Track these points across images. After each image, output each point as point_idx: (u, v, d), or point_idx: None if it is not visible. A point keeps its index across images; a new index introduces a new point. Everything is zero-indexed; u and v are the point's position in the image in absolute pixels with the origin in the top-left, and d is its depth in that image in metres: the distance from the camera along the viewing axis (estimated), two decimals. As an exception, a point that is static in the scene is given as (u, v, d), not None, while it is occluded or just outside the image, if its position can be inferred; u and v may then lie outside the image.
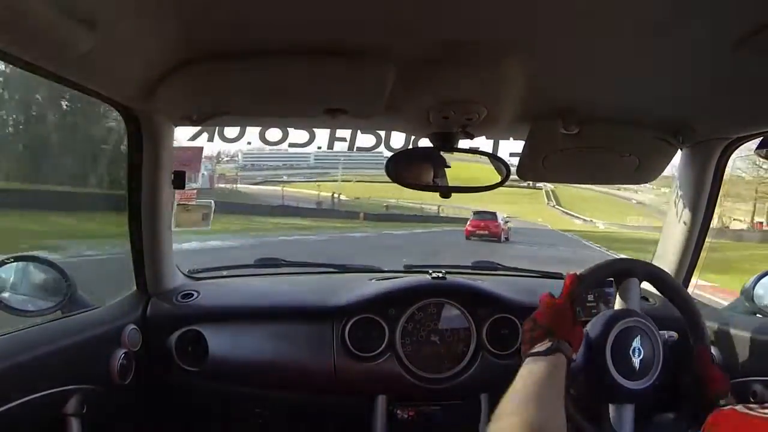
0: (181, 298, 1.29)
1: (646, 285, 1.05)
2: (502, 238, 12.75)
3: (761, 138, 1.14)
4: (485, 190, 1.12)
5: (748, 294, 1.32)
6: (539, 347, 0.78)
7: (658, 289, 1.06)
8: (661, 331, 0.97)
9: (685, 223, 1.32)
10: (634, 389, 0.89)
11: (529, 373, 0.74)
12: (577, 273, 0.92)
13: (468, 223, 13.03)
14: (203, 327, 1.24)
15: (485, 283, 1.37)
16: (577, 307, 0.91)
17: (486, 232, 12.61)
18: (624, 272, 0.98)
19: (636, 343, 0.90)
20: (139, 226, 1.21)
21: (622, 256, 1.20)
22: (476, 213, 13.38)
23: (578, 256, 11.47)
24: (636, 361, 0.89)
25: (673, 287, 1.01)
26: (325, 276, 1.57)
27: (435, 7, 0.66)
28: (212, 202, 1.49)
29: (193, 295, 1.30)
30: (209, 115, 1.09)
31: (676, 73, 0.85)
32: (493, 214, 13.42)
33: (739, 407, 0.60)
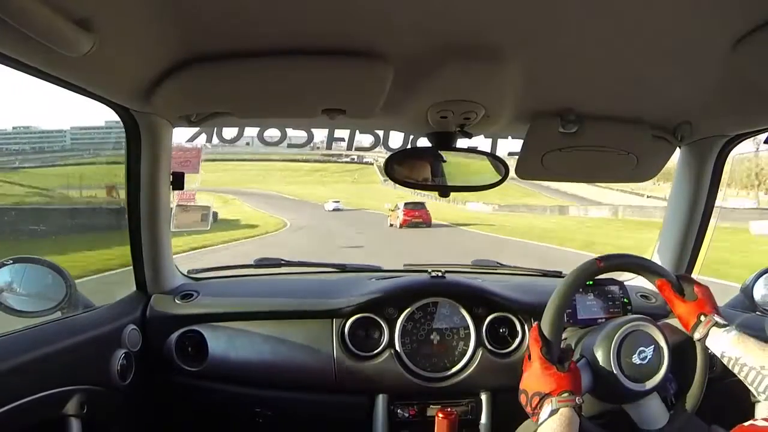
0: (180, 299, 1.29)
1: (642, 283, 1.05)
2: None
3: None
4: (484, 189, 1.13)
5: (747, 292, 1.32)
6: (543, 415, 0.79)
7: (616, 270, 1.06)
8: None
9: (684, 220, 1.32)
10: (637, 390, 0.89)
11: None
12: (537, 323, 0.91)
13: (401, 213, 13.78)
14: (203, 327, 1.25)
15: (484, 281, 1.37)
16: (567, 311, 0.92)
17: (420, 220, 13.47)
18: (582, 280, 0.96)
19: (643, 346, 0.91)
20: (138, 226, 1.21)
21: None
22: (407, 204, 14.14)
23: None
24: (641, 363, 0.90)
25: (622, 260, 1.00)
26: (324, 276, 1.57)
27: (433, 8, 0.66)
28: (211, 202, 1.49)
29: (192, 295, 1.31)
30: (208, 116, 1.09)
31: (674, 72, 0.85)
32: (423, 204, 14.26)
33: (759, 422, 0.60)
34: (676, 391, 0.95)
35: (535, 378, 0.84)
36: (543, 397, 0.80)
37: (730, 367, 0.85)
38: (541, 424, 0.78)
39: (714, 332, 0.88)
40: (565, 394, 0.79)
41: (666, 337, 0.94)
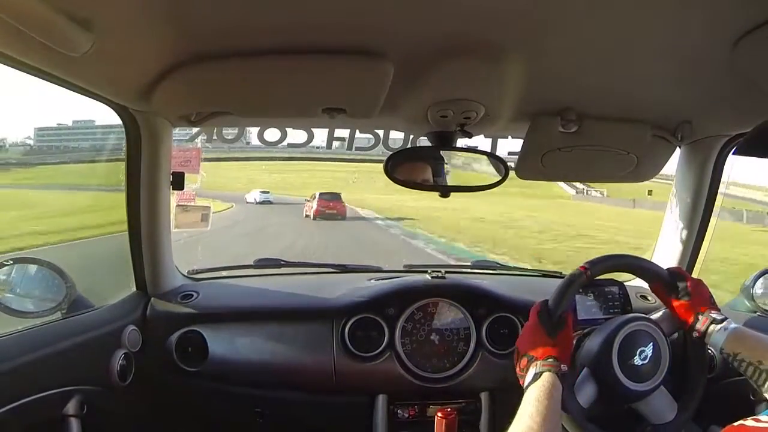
0: (180, 299, 1.29)
1: (642, 283, 1.05)
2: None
3: (735, 145, 1.16)
4: (484, 189, 1.12)
5: (747, 292, 1.32)
6: (527, 378, 0.80)
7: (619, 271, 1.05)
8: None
9: (684, 219, 1.32)
10: (637, 390, 0.89)
11: (525, 402, 0.75)
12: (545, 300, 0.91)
13: (316, 203, 13.60)
14: (203, 327, 1.25)
15: (484, 282, 1.37)
16: (567, 311, 0.92)
17: (334, 211, 13.34)
18: (573, 290, 0.95)
19: (642, 346, 0.90)
20: (138, 226, 1.21)
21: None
22: (323, 194, 13.97)
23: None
24: (642, 363, 0.89)
25: (609, 262, 0.99)
26: (324, 276, 1.57)
27: (433, 7, 0.66)
28: (211, 202, 1.49)
29: (192, 295, 1.30)
30: (208, 116, 1.09)
31: (674, 72, 0.85)
32: (339, 195, 14.17)
33: (749, 421, 0.60)
34: (678, 384, 0.95)
35: (527, 338, 0.86)
36: (530, 360, 0.82)
37: (730, 363, 0.85)
38: (526, 388, 0.79)
39: (711, 330, 0.88)
40: (550, 360, 0.80)
41: (663, 331, 0.93)
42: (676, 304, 0.94)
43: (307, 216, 13.53)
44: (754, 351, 0.81)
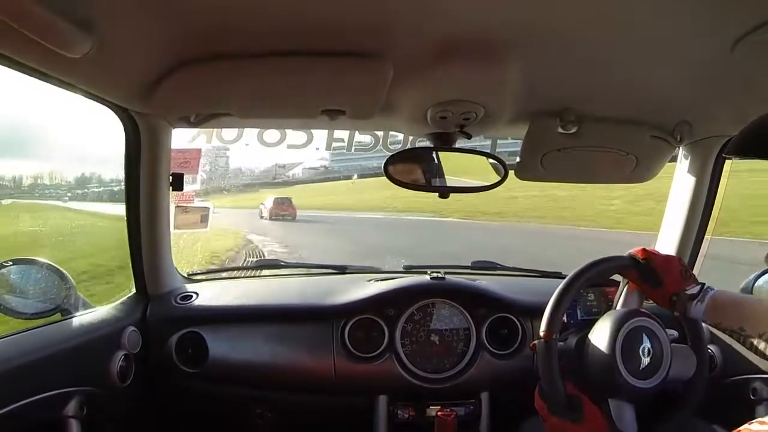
0: (180, 300, 1.29)
1: None
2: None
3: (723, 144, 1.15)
4: (484, 190, 1.12)
5: (746, 292, 1.32)
6: None
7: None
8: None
9: (684, 220, 1.32)
10: (643, 388, 0.88)
11: None
12: (539, 383, 0.86)
13: (272, 205, 15.28)
14: (203, 329, 1.24)
15: (484, 282, 1.37)
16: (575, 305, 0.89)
17: (286, 213, 15.15)
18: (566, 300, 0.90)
19: (645, 342, 0.89)
20: (137, 228, 1.21)
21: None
22: (276, 199, 15.59)
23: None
24: (645, 360, 0.89)
25: (570, 289, 0.92)
26: (324, 277, 1.57)
27: (432, 8, 0.66)
28: (210, 203, 1.49)
29: (192, 296, 1.31)
30: (207, 117, 1.09)
31: (673, 72, 0.86)
32: (290, 199, 15.89)
33: (754, 425, 0.60)
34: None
35: None
36: None
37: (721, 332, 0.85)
38: None
39: (690, 306, 0.87)
40: None
41: (657, 321, 0.92)
42: (651, 293, 0.92)
43: (262, 217, 14.98)
44: (733, 319, 0.82)
